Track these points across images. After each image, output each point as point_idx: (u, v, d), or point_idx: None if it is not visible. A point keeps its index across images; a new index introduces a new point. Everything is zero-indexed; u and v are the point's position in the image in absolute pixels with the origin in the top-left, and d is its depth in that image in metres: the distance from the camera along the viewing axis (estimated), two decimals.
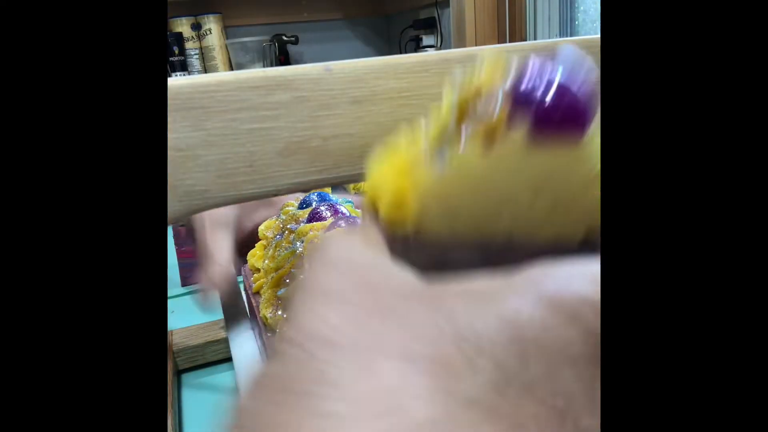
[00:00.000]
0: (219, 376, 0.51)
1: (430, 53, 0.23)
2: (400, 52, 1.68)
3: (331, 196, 0.44)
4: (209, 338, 0.52)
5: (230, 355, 0.41)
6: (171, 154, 0.20)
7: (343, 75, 0.22)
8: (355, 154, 0.22)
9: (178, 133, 0.20)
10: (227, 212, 0.44)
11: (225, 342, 0.52)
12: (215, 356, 0.52)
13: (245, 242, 0.45)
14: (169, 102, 0.20)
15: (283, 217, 0.43)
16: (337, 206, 0.40)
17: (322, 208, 0.40)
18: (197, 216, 0.43)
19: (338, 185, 0.23)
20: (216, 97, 0.21)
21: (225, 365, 0.52)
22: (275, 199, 0.48)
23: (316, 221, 0.39)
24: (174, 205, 0.21)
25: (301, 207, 0.43)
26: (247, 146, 0.21)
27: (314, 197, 0.44)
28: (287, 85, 0.21)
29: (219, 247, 0.41)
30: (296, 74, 0.21)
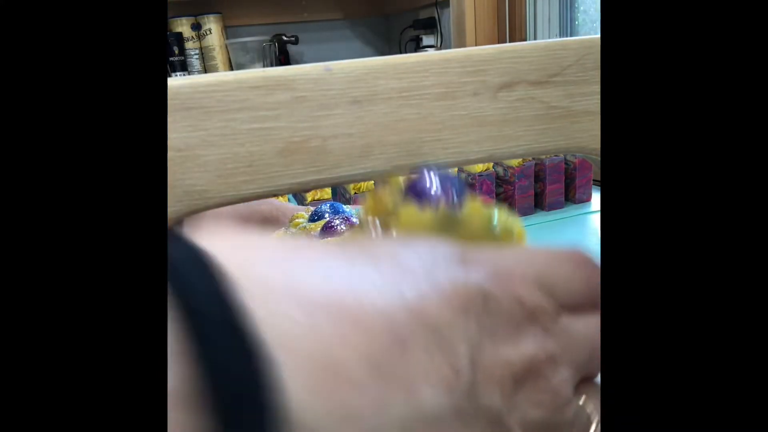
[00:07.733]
0: None
1: (431, 53, 0.23)
2: (400, 52, 1.69)
3: (344, 207, 0.40)
4: None
5: None
6: (170, 154, 0.20)
7: (343, 75, 0.22)
8: (354, 154, 0.22)
9: (177, 133, 0.20)
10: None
11: None
12: None
13: None
14: (169, 102, 0.20)
15: (293, 230, 0.39)
16: (351, 218, 0.36)
17: (336, 220, 0.36)
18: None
19: (338, 185, 0.23)
20: (216, 97, 0.21)
21: None
22: (282, 213, 0.45)
23: (329, 235, 0.35)
24: (174, 205, 0.21)
25: (312, 219, 0.39)
26: (247, 146, 0.21)
27: (326, 209, 0.39)
28: (287, 85, 0.21)
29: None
30: (296, 74, 0.22)
